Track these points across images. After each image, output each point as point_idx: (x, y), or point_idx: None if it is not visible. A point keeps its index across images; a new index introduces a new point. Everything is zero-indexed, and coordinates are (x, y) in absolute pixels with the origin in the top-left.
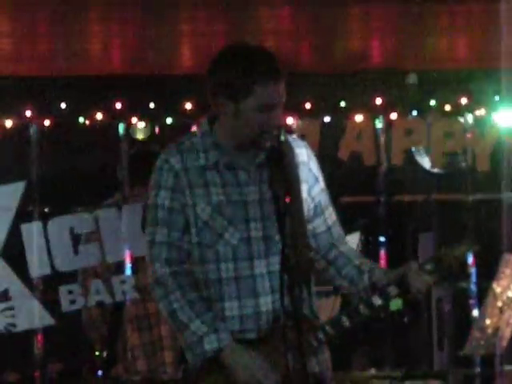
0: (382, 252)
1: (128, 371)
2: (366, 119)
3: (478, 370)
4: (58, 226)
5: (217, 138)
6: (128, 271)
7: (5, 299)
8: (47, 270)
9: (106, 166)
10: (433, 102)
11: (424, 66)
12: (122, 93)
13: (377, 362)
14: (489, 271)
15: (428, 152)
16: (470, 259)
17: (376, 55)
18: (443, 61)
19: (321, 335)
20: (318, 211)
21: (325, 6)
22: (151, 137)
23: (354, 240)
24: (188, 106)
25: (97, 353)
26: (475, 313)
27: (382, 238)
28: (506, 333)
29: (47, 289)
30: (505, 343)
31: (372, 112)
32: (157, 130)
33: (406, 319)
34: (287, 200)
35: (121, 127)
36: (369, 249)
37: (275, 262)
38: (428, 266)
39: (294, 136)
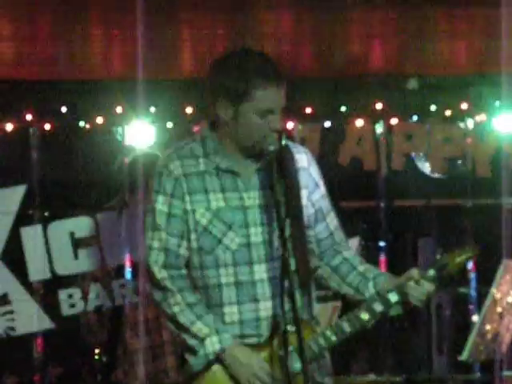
0: (382, 257)
1: (127, 376)
2: (367, 124)
3: (477, 375)
4: (57, 230)
5: (217, 143)
6: (128, 275)
7: (4, 303)
8: (47, 274)
9: (106, 170)
10: (433, 107)
11: (424, 71)
12: (122, 97)
13: (376, 367)
14: (489, 277)
15: (428, 157)
16: (470, 265)
17: (376, 60)
18: (444, 66)
19: (322, 341)
20: (320, 217)
21: (325, 11)
22: (152, 141)
23: (353, 244)
24: (188, 110)
25: (96, 357)
26: (475, 318)
27: (381, 243)
28: (506, 338)
29: (47, 293)
30: (504, 349)
31: (372, 117)
32: (157, 134)
33: (405, 324)
34: (287, 205)
35: (121, 131)
36: (368, 253)
37: (275, 267)
38: (429, 274)
39: (294, 142)
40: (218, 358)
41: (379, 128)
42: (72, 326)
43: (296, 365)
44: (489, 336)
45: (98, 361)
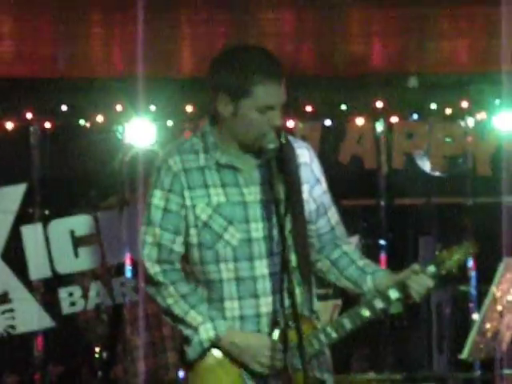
0: (383, 255)
1: (127, 372)
2: (367, 122)
3: (477, 373)
4: (58, 229)
5: (217, 138)
6: (128, 273)
7: (5, 301)
8: (47, 273)
9: (106, 168)
10: (433, 106)
11: (425, 69)
12: (122, 95)
13: (377, 365)
14: (489, 275)
15: (428, 155)
16: (471, 263)
17: (377, 59)
18: (444, 64)
19: (322, 337)
20: (322, 212)
21: (326, 10)
22: (152, 139)
23: (353, 242)
24: (189, 108)
25: (96, 355)
26: (475, 316)
27: (382, 241)
28: (506, 337)
29: (47, 291)
30: (504, 347)
31: (373, 115)
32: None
33: (405, 322)
34: (288, 201)
35: (121, 130)
36: (369, 252)
37: (276, 262)
38: (429, 269)
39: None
40: (215, 346)
41: (379, 126)
42: (72, 325)
43: (296, 361)
44: (489, 334)
45: (98, 358)
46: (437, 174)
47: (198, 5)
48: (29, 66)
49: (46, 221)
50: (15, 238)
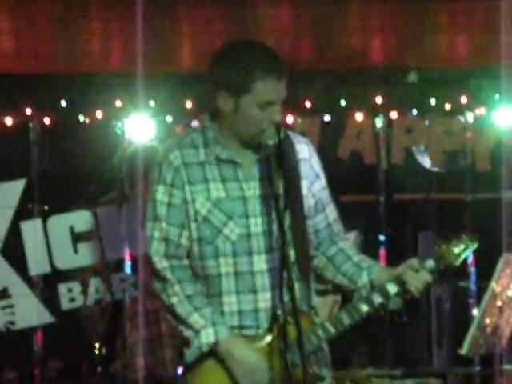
0: (382, 251)
1: (126, 368)
2: (366, 118)
3: (477, 369)
4: (57, 224)
5: (217, 133)
6: (127, 269)
7: (4, 297)
8: (47, 268)
9: (105, 163)
10: (433, 101)
11: (424, 64)
12: (121, 91)
13: (376, 360)
14: (488, 270)
15: (428, 151)
16: (470, 258)
17: (376, 54)
18: (443, 59)
19: (321, 332)
20: (320, 208)
21: (325, 4)
22: (151, 135)
23: (352, 238)
24: (188, 104)
25: (96, 350)
26: (475, 312)
27: (381, 237)
28: (506, 332)
29: (47, 287)
30: (504, 342)
31: (372, 111)
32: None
33: (405, 318)
34: (287, 197)
35: (121, 125)
36: (368, 248)
37: (275, 258)
38: (428, 264)
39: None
40: (213, 351)
41: (379, 122)
42: (72, 320)
43: (295, 356)
44: (488, 330)
45: (97, 354)
46: (436, 169)
47: (197, 1)
48: (28, 62)
49: (45, 216)
50: (14, 233)
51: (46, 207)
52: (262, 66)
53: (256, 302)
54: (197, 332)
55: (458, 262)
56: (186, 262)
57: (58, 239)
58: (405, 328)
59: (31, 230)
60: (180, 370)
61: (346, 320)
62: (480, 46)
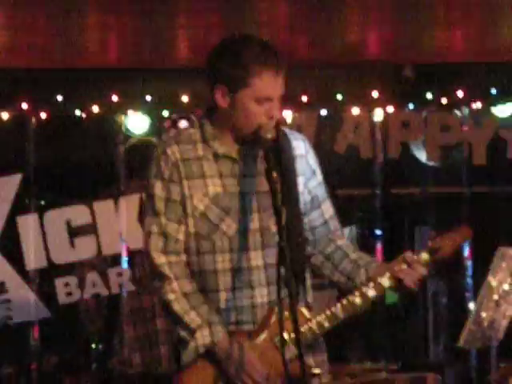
0: (378, 245)
1: (122, 364)
2: (363, 112)
3: (473, 362)
4: (54, 219)
5: (215, 129)
6: (124, 264)
7: (1, 292)
8: (43, 263)
9: (102, 158)
10: (429, 95)
11: (421, 58)
12: (118, 86)
13: (373, 354)
14: (485, 264)
15: (424, 145)
16: (467, 252)
17: (373, 48)
18: (440, 53)
19: (315, 327)
20: (315, 204)
21: None
22: (148, 129)
23: (348, 233)
24: (184, 98)
25: (93, 345)
26: (471, 306)
27: (378, 231)
28: (502, 326)
29: (43, 281)
30: (501, 336)
31: (368, 105)
32: (153, 122)
33: (401, 312)
34: (283, 193)
35: (117, 120)
36: (365, 242)
37: (272, 254)
38: (422, 257)
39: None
40: (208, 352)
41: (375, 116)
42: (69, 315)
43: (291, 352)
44: (485, 323)
45: (94, 349)
46: (432, 163)
47: None
48: (24, 56)
49: (41, 211)
50: (11, 228)
51: (42, 202)
52: (260, 61)
53: (253, 297)
54: (193, 332)
55: (452, 254)
56: (184, 257)
57: (55, 234)
58: (401, 322)
59: (28, 224)
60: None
61: (341, 315)
62: (477, 39)
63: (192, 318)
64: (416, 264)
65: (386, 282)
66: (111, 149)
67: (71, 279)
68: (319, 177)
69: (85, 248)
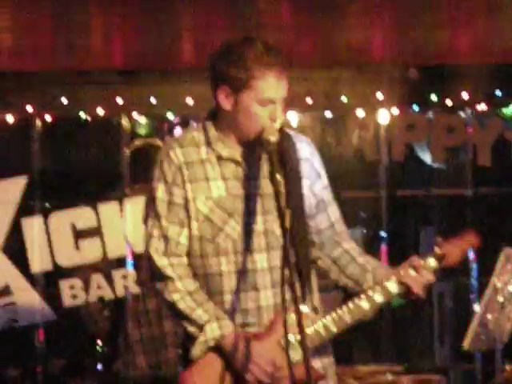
0: (383, 247)
1: (128, 367)
2: (367, 114)
3: (478, 365)
4: (59, 221)
5: (218, 131)
6: (129, 266)
7: (6, 294)
8: (48, 265)
9: (107, 161)
10: (434, 97)
11: (425, 60)
12: (123, 87)
13: (378, 356)
14: (490, 266)
15: (429, 146)
16: (471, 254)
17: (378, 50)
18: (445, 55)
19: (322, 331)
20: (321, 207)
21: (325, 0)
22: (152, 131)
23: (354, 235)
24: (189, 100)
25: (98, 348)
26: (476, 308)
27: (383, 233)
28: (507, 328)
29: (48, 284)
30: (506, 339)
31: (373, 107)
32: (158, 124)
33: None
34: (288, 195)
35: (122, 122)
36: (370, 244)
37: (276, 256)
38: (430, 264)
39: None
40: (218, 346)
41: (380, 118)
42: (73, 317)
43: (296, 354)
44: (490, 325)
45: (99, 352)
46: (437, 165)
47: None
48: (29, 58)
49: (46, 213)
50: (16, 230)
51: (47, 204)
52: (263, 63)
53: (258, 300)
54: (201, 327)
55: (460, 262)
56: (185, 260)
57: (60, 236)
58: (407, 324)
59: (33, 226)
60: (181, 369)
61: (348, 319)
62: (481, 40)
63: (199, 314)
64: (423, 270)
65: (393, 288)
66: (116, 151)
67: (76, 281)
68: (324, 180)
69: (90, 250)
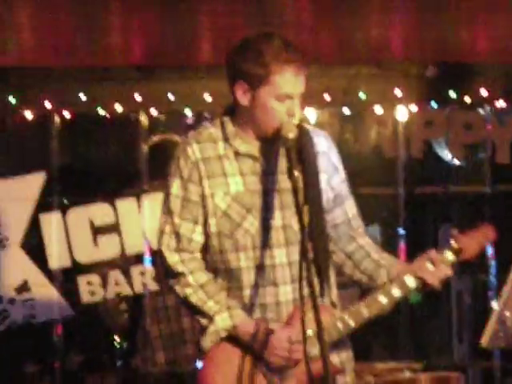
0: (402, 244)
1: (146, 363)
2: (386, 111)
3: (497, 362)
4: (77, 217)
5: (236, 127)
6: (147, 263)
7: (24, 290)
8: (67, 261)
9: (125, 157)
10: (453, 94)
11: (444, 57)
12: (141, 84)
13: (396, 353)
14: (508, 263)
15: (447, 144)
16: (490, 251)
17: (396, 46)
18: (464, 52)
19: (340, 326)
20: (338, 201)
21: None
22: (171, 128)
23: (372, 232)
24: (207, 97)
25: (116, 344)
26: (494, 305)
27: (401, 231)
28: None
29: (67, 280)
30: None
31: (391, 103)
32: (176, 121)
33: (425, 311)
34: (306, 190)
35: (140, 118)
36: (388, 241)
37: (294, 251)
38: (447, 258)
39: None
40: (231, 335)
41: (398, 114)
42: (92, 314)
43: (314, 349)
44: (509, 323)
45: (117, 348)
46: (456, 162)
47: None
48: (47, 55)
49: (65, 209)
50: (34, 226)
51: (65, 200)
52: (281, 58)
53: (277, 295)
54: (212, 318)
55: (477, 256)
56: (197, 255)
57: (78, 232)
58: (425, 321)
59: (51, 222)
60: (200, 365)
61: (366, 313)
62: (500, 38)
63: (210, 305)
64: (441, 264)
65: (411, 282)
66: (134, 147)
67: (94, 278)
68: (342, 174)
69: (108, 247)
